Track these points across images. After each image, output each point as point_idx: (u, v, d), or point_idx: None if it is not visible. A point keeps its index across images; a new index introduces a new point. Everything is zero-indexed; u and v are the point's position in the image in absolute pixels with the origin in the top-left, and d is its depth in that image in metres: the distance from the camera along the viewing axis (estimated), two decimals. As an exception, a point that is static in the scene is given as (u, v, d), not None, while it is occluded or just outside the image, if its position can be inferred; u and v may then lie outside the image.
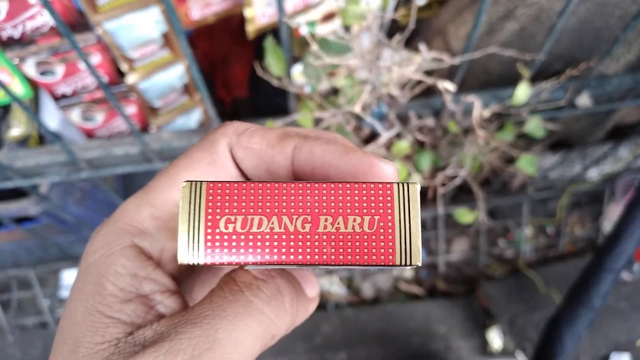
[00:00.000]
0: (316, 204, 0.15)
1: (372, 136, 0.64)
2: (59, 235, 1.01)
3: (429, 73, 0.63)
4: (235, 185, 0.15)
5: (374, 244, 0.14)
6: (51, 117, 0.77)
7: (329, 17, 0.73)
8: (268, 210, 0.15)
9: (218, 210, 0.15)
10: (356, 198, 0.15)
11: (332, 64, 0.53)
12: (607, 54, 0.59)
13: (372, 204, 0.15)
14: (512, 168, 0.67)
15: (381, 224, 0.14)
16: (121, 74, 0.72)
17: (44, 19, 0.61)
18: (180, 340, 0.15)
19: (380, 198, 0.15)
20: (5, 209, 0.79)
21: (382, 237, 0.14)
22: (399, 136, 0.62)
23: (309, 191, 0.15)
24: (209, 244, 0.15)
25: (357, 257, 0.14)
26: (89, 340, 0.17)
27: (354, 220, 0.15)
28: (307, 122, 0.59)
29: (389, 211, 0.15)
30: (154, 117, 0.81)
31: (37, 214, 0.83)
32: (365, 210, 0.15)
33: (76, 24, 0.62)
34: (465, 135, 0.65)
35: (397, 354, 0.97)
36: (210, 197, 0.15)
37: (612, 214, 1.03)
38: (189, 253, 0.15)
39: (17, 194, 0.77)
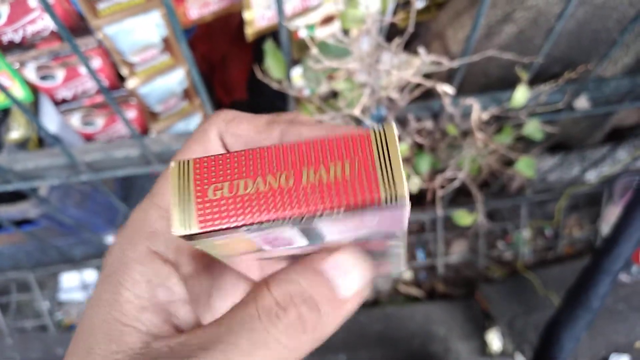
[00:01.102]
0: (297, 160, 0.15)
1: (372, 139, 0.64)
2: (59, 238, 1.01)
3: (428, 76, 0.63)
4: (220, 156, 0.16)
5: (357, 185, 0.15)
6: (51, 120, 0.78)
7: (328, 20, 0.73)
8: (252, 173, 0.15)
9: (206, 181, 0.15)
10: (335, 149, 0.15)
11: (332, 67, 0.53)
12: (605, 57, 0.60)
13: (352, 151, 0.15)
14: (511, 170, 0.67)
15: (362, 166, 0.15)
16: (121, 79, 0.72)
17: (44, 23, 0.61)
18: None
19: (359, 144, 0.15)
20: (4, 212, 0.79)
21: (364, 177, 0.15)
22: (398, 139, 0.62)
23: (289, 150, 0.15)
24: (200, 212, 0.15)
25: (344, 200, 0.14)
26: (104, 348, 0.17)
27: (336, 168, 0.15)
28: (307, 125, 0.59)
29: (369, 153, 0.15)
30: (154, 122, 0.81)
31: (37, 217, 0.83)
32: (345, 158, 0.15)
33: (76, 28, 0.62)
34: (464, 137, 0.65)
35: (396, 355, 0.97)
36: (197, 171, 0.16)
37: (611, 216, 1.04)
38: (183, 224, 0.15)
39: (17, 196, 0.77)
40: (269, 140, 0.18)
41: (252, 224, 0.15)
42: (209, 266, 0.21)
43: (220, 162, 0.15)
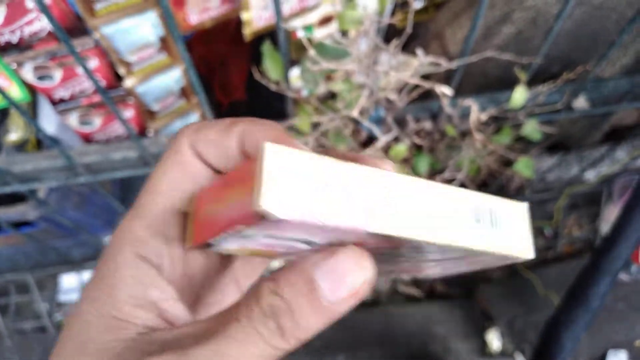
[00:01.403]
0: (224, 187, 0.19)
1: (370, 140, 0.64)
2: (57, 239, 1.01)
3: (426, 76, 0.63)
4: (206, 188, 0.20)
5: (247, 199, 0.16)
6: (49, 121, 0.78)
7: (326, 20, 0.73)
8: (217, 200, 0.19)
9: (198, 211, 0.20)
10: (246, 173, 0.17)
11: (330, 68, 0.53)
12: (604, 58, 0.60)
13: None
14: (510, 171, 0.67)
15: (249, 187, 0.16)
16: (118, 78, 0.72)
17: (41, 24, 0.61)
18: (187, 354, 0.16)
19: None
20: (3, 214, 0.79)
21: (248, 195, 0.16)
22: (396, 139, 0.62)
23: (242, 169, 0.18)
24: (195, 231, 0.20)
25: (235, 217, 0.17)
26: (98, 341, 0.17)
27: (242, 189, 0.17)
28: (305, 126, 0.59)
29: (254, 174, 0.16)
30: (152, 120, 0.81)
31: (35, 219, 0.83)
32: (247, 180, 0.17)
33: (73, 28, 0.62)
34: (463, 138, 0.65)
35: (396, 355, 0.97)
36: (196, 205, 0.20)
37: (610, 215, 1.04)
38: (188, 241, 0.20)
39: (15, 198, 0.77)
40: (233, 141, 0.20)
41: (215, 237, 0.18)
42: (202, 268, 0.22)
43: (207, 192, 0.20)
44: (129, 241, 0.20)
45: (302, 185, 0.15)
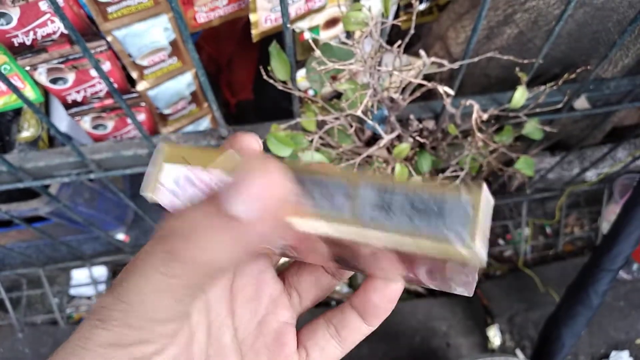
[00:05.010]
0: None
1: (374, 138, 0.65)
2: (69, 234, 1.03)
3: (430, 76, 0.64)
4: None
5: None
6: (61, 120, 0.79)
7: (332, 22, 0.74)
8: None
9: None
10: None
11: (335, 69, 0.54)
12: (605, 58, 0.60)
13: None
14: (511, 169, 0.68)
15: None
16: (130, 82, 0.73)
17: (54, 26, 0.62)
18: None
19: None
20: (16, 209, 0.81)
21: None
22: (399, 138, 0.63)
23: None
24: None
25: None
26: None
27: None
28: (311, 125, 0.60)
29: None
30: (164, 125, 0.83)
31: (47, 214, 0.85)
32: None
33: (86, 32, 0.64)
34: (465, 137, 0.66)
35: (398, 350, 0.98)
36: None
37: (611, 214, 1.04)
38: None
39: (28, 194, 0.79)
40: None
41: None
42: None
43: None
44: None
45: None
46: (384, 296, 0.22)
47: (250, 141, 0.21)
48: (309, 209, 0.18)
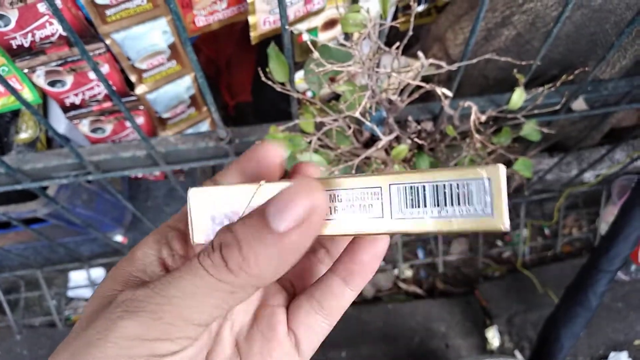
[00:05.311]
0: None
1: (372, 140, 0.65)
2: (67, 236, 1.02)
3: (428, 78, 0.64)
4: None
5: None
6: (59, 122, 0.79)
7: (330, 24, 0.74)
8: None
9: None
10: None
11: (333, 70, 0.54)
12: (603, 60, 0.61)
13: None
14: (509, 171, 0.68)
15: None
16: (129, 85, 0.73)
17: (52, 28, 0.62)
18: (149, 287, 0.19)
19: None
20: (14, 211, 0.80)
21: None
22: (398, 140, 0.63)
23: None
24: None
25: None
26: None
27: None
28: (309, 126, 0.60)
29: None
30: (162, 129, 0.83)
31: (45, 216, 0.85)
32: None
33: (84, 34, 0.63)
34: (463, 139, 0.66)
35: (397, 352, 0.98)
36: None
37: (609, 215, 1.05)
38: None
39: (26, 196, 0.79)
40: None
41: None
42: None
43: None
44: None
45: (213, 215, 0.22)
46: (374, 254, 0.22)
47: (315, 170, 0.24)
48: (342, 215, 0.20)
